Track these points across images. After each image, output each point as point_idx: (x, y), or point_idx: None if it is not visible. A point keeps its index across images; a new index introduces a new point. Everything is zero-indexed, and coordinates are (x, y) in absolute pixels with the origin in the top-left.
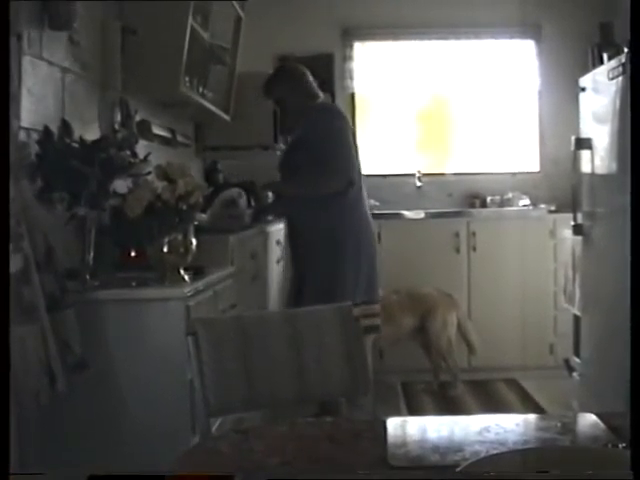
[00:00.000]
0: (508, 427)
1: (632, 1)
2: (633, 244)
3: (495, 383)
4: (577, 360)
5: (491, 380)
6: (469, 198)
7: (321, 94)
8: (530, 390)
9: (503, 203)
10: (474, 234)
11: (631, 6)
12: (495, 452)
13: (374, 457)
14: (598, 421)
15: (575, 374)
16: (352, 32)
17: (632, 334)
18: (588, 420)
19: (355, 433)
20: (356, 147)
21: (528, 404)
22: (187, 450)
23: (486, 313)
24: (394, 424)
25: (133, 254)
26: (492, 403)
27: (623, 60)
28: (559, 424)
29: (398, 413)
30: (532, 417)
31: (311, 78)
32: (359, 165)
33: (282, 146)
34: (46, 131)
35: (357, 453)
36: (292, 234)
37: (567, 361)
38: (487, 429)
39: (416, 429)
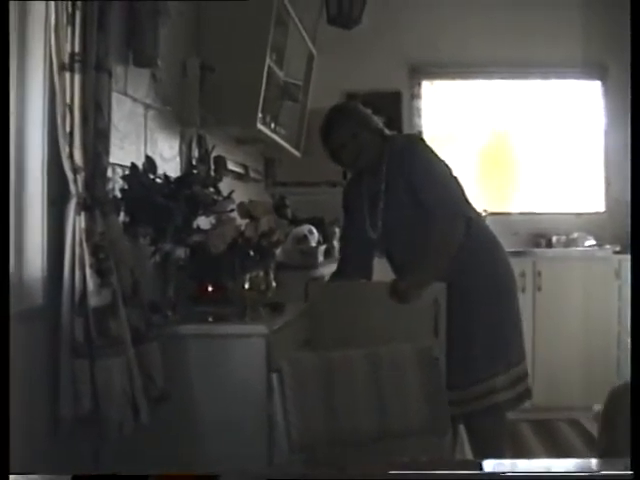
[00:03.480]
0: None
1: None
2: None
3: (557, 423)
4: None
5: (553, 420)
6: (535, 237)
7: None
8: (593, 431)
9: (569, 243)
10: (540, 274)
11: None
12: None
13: None
14: None
15: None
16: (420, 70)
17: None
18: None
19: (449, 473)
20: None
21: (591, 446)
22: None
23: (550, 352)
24: (490, 465)
25: (210, 289)
26: (555, 444)
27: None
28: None
29: (463, 454)
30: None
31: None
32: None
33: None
34: (133, 167)
35: None
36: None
37: None
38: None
39: (510, 469)
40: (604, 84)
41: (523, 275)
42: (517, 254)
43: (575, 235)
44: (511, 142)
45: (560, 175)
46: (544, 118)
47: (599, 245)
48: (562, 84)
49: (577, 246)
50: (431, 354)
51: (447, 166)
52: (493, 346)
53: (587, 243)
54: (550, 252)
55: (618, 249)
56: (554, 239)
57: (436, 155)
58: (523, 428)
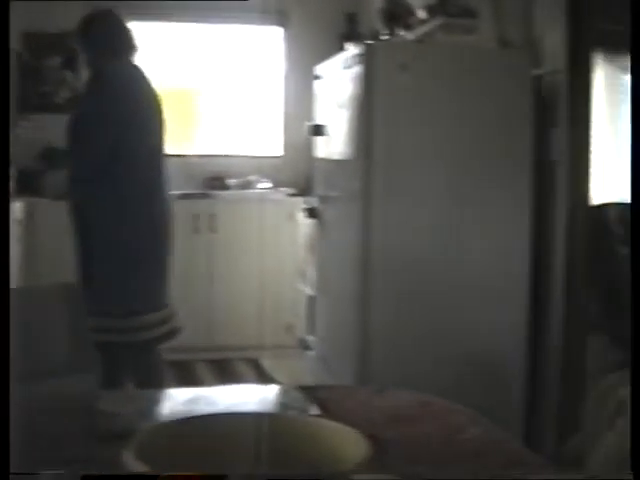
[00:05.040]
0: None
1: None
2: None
3: (235, 362)
4: (312, 339)
5: (231, 359)
6: (211, 180)
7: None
8: (268, 369)
9: (244, 185)
10: (215, 216)
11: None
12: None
13: (82, 429)
14: (300, 394)
15: (311, 352)
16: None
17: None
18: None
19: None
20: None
21: (266, 382)
22: None
23: (227, 293)
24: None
25: None
26: (232, 381)
27: (358, 51)
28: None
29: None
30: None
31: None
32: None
33: None
34: None
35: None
36: None
37: (302, 340)
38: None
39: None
40: (286, 31)
41: (197, 217)
42: (192, 196)
43: (251, 178)
44: (191, 84)
45: (239, 119)
46: (223, 61)
47: (275, 188)
48: (243, 29)
49: (252, 188)
50: (78, 292)
51: (129, 113)
52: (147, 283)
53: (262, 186)
54: (226, 194)
55: (293, 192)
56: (230, 182)
57: (106, 102)
58: (200, 367)
